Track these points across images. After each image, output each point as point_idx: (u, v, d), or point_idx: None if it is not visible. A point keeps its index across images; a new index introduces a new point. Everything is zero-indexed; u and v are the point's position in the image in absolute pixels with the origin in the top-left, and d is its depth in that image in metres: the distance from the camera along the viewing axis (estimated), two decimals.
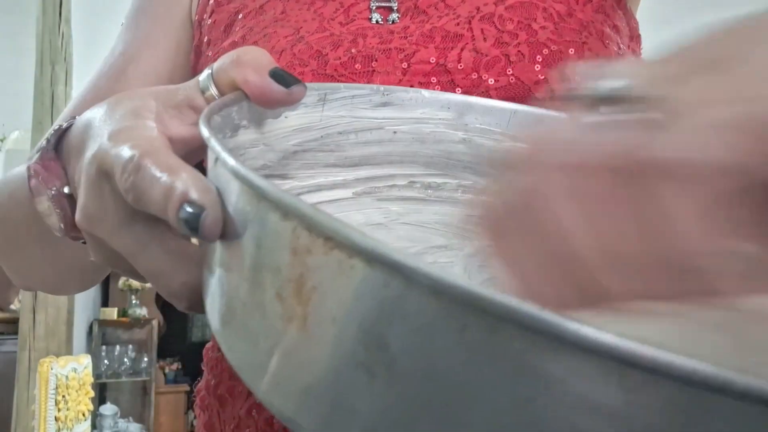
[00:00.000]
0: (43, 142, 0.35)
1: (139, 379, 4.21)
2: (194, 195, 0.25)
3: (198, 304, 0.28)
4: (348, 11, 0.53)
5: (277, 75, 0.31)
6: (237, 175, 0.23)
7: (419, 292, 0.17)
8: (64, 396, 2.38)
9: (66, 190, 0.34)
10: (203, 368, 0.56)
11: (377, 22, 0.52)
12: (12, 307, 3.63)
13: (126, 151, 0.27)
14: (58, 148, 0.35)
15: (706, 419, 0.15)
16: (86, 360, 2.65)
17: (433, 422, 0.17)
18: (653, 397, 0.15)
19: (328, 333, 0.19)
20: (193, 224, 0.24)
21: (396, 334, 0.18)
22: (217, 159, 0.25)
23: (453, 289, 0.16)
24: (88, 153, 0.30)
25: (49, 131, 0.35)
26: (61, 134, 0.35)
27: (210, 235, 0.24)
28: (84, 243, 0.33)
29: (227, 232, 0.24)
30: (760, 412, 0.14)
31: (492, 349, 0.16)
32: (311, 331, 0.20)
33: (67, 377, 2.40)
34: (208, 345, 0.57)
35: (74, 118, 0.35)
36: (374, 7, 0.53)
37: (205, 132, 0.25)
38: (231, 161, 0.23)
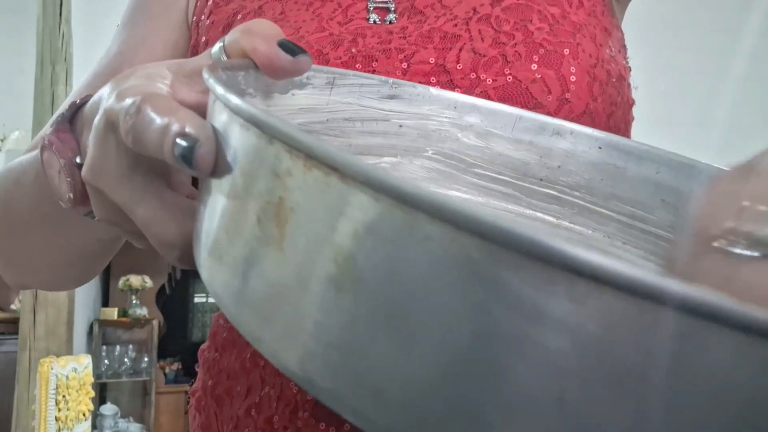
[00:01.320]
0: (58, 115, 0.36)
1: (139, 379, 4.21)
2: (189, 129, 0.25)
3: (189, 255, 0.29)
4: (346, 11, 0.53)
5: (284, 45, 0.32)
6: (227, 103, 0.23)
7: (387, 204, 0.17)
8: (64, 396, 2.38)
9: (78, 160, 0.34)
10: (197, 369, 0.56)
11: (375, 22, 0.52)
12: (12, 307, 3.64)
13: (129, 100, 0.28)
14: (73, 121, 0.36)
15: (648, 329, 0.15)
16: (86, 360, 2.65)
17: (394, 333, 0.18)
18: (598, 308, 0.15)
19: (302, 252, 0.20)
20: (188, 157, 0.25)
21: (364, 248, 0.18)
22: (215, 99, 0.25)
23: (417, 199, 0.17)
24: (99, 113, 0.31)
25: (63, 105, 0.36)
26: (77, 109, 0.36)
27: (203, 167, 0.25)
28: (90, 218, 0.35)
29: (220, 167, 0.24)
30: (699, 322, 0.14)
31: (451, 258, 0.17)
32: (286, 251, 0.20)
33: (67, 377, 2.40)
34: (203, 346, 0.57)
35: (88, 95, 0.36)
36: (371, 8, 0.53)
37: (205, 73, 0.26)
38: (219, 89, 0.23)
